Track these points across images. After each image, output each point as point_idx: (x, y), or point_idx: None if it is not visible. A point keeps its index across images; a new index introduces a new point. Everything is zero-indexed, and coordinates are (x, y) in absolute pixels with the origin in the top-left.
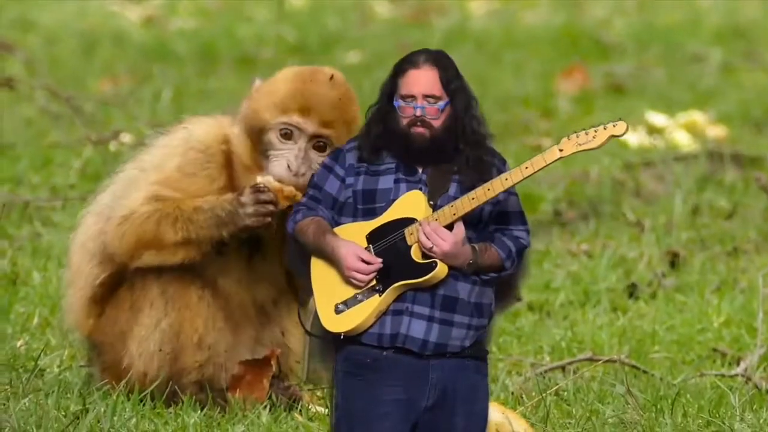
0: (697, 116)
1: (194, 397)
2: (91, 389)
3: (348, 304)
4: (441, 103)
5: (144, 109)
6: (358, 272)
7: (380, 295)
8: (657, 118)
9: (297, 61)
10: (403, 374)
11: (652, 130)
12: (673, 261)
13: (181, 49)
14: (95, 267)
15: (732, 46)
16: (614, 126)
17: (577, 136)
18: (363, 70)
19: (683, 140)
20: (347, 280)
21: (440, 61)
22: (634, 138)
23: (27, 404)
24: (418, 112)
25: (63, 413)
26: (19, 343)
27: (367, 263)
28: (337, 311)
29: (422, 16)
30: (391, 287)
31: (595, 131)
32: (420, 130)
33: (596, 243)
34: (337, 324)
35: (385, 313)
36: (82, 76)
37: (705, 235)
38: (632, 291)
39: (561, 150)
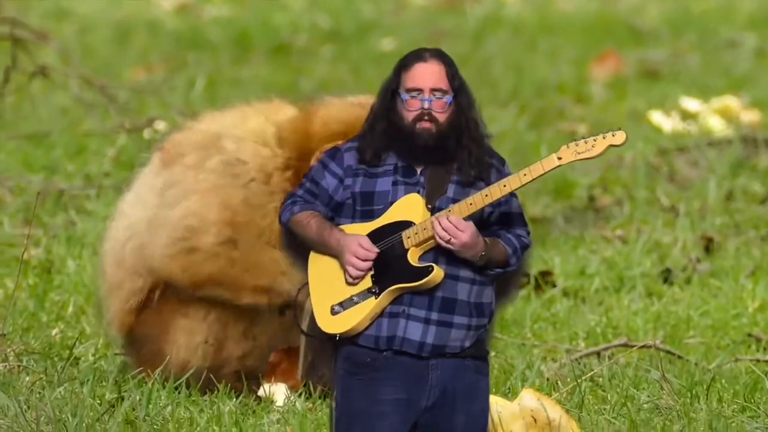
0: (731, 101)
1: (230, 385)
2: (126, 377)
3: (344, 305)
4: (448, 98)
5: (178, 97)
6: (356, 257)
7: (376, 298)
8: (691, 104)
9: (331, 48)
10: (403, 374)
11: (686, 116)
12: (708, 246)
13: (215, 37)
14: (136, 283)
15: (766, 32)
16: (613, 135)
17: (576, 145)
18: (397, 57)
19: (717, 125)
20: (345, 271)
21: (444, 57)
22: (668, 123)
23: (62, 393)
24: (426, 105)
25: (98, 401)
26: (54, 332)
27: (367, 251)
28: (333, 312)
29: (456, 2)
30: (387, 290)
31: (594, 140)
32: (426, 125)
33: (631, 228)
34: (333, 325)
35: (381, 316)
36: (116, 65)
37: (739, 219)
38: (667, 276)
39: (559, 158)
